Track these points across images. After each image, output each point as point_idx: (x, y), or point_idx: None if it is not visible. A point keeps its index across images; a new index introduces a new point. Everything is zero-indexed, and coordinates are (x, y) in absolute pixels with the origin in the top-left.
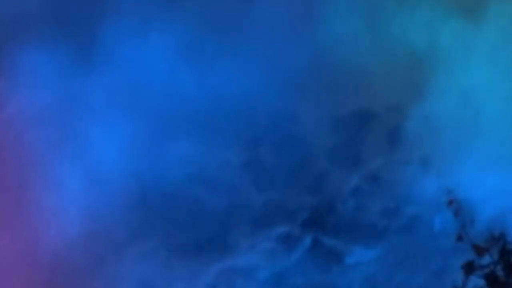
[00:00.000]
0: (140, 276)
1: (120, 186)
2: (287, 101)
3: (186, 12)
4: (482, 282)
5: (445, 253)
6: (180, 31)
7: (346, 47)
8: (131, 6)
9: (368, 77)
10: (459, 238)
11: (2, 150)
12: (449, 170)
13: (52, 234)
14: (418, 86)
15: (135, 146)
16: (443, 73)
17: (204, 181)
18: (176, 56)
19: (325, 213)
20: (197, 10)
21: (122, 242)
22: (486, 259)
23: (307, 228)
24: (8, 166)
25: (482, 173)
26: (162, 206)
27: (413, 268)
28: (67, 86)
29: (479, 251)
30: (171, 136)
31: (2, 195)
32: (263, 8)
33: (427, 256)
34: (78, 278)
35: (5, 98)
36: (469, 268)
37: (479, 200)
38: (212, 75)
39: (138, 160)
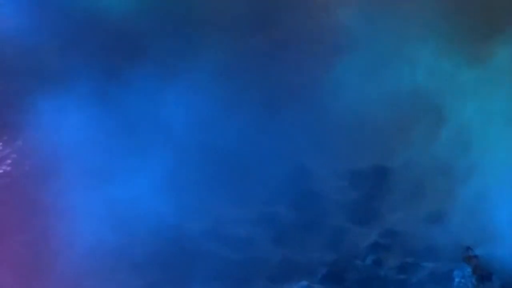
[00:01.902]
0: None
1: (137, 236)
2: (305, 157)
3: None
4: None
5: None
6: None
7: (362, 104)
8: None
9: (384, 133)
10: None
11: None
12: (467, 225)
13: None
14: (434, 140)
15: (155, 196)
16: (460, 126)
17: (222, 236)
18: (193, 112)
19: (344, 269)
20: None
21: None
22: None
23: (326, 284)
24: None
25: (501, 227)
26: (179, 259)
27: None
28: (89, 126)
29: None
30: (191, 189)
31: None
32: (282, 66)
33: None
34: None
35: (31, 137)
36: None
37: (497, 256)
38: (230, 130)
39: (157, 214)
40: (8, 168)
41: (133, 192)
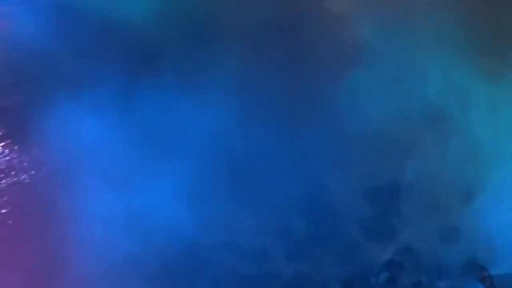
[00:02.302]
0: None
1: (151, 245)
2: (321, 171)
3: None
4: None
5: None
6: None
7: (378, 118)
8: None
9: (400, 148)
10: None
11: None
12: (482, 243)
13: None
14: (449, 156)
15: (171, 205)
16: (475, 141)
17: (235, 248)
18: (212, 122)
19: (357, 285)
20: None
21: None
22: None
23: None
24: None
25: None
26: (192, 269)
27: None
28: (108, 133)
29: None
30: (207, 200)
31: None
32: (300, 78)
33: None
34: None
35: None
36: None
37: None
38: (248, 141)
39: (172, 223)
40: (24, 175)
41: (149, 201)
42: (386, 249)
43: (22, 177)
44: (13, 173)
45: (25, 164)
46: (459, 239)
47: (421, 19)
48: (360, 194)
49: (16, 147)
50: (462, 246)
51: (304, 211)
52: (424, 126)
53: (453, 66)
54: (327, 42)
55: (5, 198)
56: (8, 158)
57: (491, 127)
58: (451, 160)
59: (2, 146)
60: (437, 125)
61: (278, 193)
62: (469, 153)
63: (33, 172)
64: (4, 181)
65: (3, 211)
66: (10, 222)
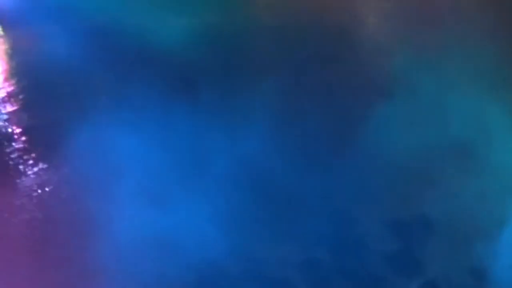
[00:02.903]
0: None
1: (174, 268)
2: (348, 203)
3: None
4: None
5: None
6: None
7: (406, 151)
8: None
9: (427, 182)
10: None
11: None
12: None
13: None
14: (477, 191)
15: (196, 230)
16: (504, 178)
17: (260, 278)
18: (241, 149)
19: None
20: None
21: None
22: None
23: None
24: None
25: None
26: None
27: None
28: (139, 154)
29: None
30: (233, 227)
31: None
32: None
33: None
34: None
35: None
36: None
37: None
38: (276, 170)
39: (197, 248)
40: (56, 190)
41: (176, 223)
42: (411, 284)
43: (54, 192)
44: (45, 188)
45: (57, 180)
46: (485, 275)
47: (452, 56)
48: (386, 227)
49: (48, 164)
50: (489, 284)
51: (330, 242)
52: (451, 161)
53: (481, 103)
54: (359, 76)
55: (36, 213)
56: (40, 174)
57: None
58: (478, 195)
59: (35, 163)
60: (464, 161)
61: (306, 224)
62: (497, 189)
63: (65, 188)
64: (36, 196)
65: (34, 224)
66: (40, 236)
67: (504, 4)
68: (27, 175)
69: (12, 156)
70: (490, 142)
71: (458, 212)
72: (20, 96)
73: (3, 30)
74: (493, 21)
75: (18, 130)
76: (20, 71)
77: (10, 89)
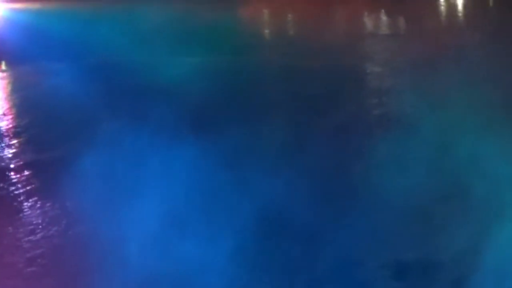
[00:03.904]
0: None
1: None
2: (350, 244)
3: None
4: None
5: None
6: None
7: (411, 193)
8: None
9: (433, 225)
10: None
11: None
12: None
13: None
14: (482, 237)
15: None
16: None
17: None
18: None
19: None
20: None
21: None
22: None
23: None
24: None
25: None
26: None
27: None
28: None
29: None
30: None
31: None
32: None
33: None
34: None
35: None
36: None
37: None
38: (284, 209)
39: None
40: (58, 227)
41: (183, 259)
42: None
43: (56, 229)
44: (48, 225)
45: (60, 216)
46: None
47: (455, 97)
48: (389, 270)
49: (51, 201)
50: None
51: (334, 285)
52: (453, 203)
53: (490, 147)
54: (363, 116)
55: (40, 250)
56: (44, 210)
57: None
58: (484, 240)
59: (39, 199)
60: (470, 204)
61: (308, 265)
62: (499, 232)
63: (67, 225)
64: (40, 232)
65: (39, 261)
66: (44, 273)
67: (506, 49)
68: (31, 208)
69: (15, 188)
70: (492, 183)
71: (462, 254)
72: (22, 130)
73: (7, 65)
74: (496, 64)
75: (20, 163)
76: (22, 105)
77: (12, 123)
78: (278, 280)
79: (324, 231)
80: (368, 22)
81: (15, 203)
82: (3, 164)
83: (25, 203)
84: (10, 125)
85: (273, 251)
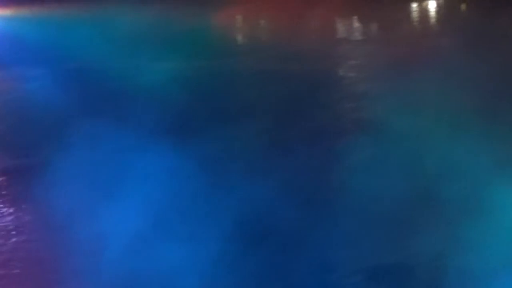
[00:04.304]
0: None
1: None
2: (324, 250)
3: None
4: None
5: None
6: None
7: (385, 197)
8: None
9: (408, 226)
10: None
11: None
12: None
13: None
14: (461, 236)
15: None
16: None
17: None
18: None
19: None
20: None
21: None
22: None
23: None
24: None
25: None
26: None
27: None
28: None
29: None
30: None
31: None
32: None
33: None
34: None
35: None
36: None
37: None
38: (253, 219)
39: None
40: (32, 234)
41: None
42: None
43: (30, 235)
44: (22, 231)
45: (34, 222)
46: None
47: (432, 102)
48: (364, 274)
49: (26, 206)
50: None
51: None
52: (432, 209)
53: (463, 151)
54: (339, 120)
55: (12, 255)
56: (18, 216)
57: (498, 210)
58: (458, 243)
59: (12, 205)
60: (444, 208)
61: (284, 274)
62: (475, 237)
63: (41, 230)
64: (14, 239)
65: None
66: (18, 278)
67: (484, 54)
68: (3, 216)
69: None
70: (469, 189)
71: (436, 258)
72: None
73: None
74: (474, 68)
75: None
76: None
77: None
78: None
79: (297, 237)
80: (342, 27)
81: None
82: None
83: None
84: None
85: (243, 257)
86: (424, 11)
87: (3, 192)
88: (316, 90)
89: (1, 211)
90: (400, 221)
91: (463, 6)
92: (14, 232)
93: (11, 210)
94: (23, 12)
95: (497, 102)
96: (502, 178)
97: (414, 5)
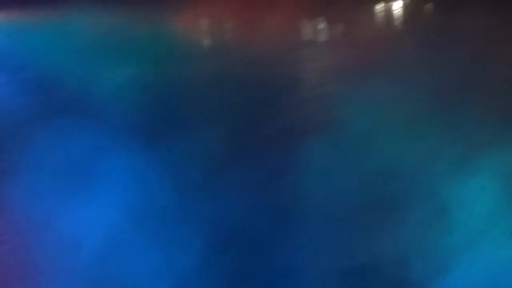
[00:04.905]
0: None
1: None
2: (288, 254)
3: None
4: None
5: None
6: None
7: (347, 199)
8: None
9: (373, 228)
10: None
11: None
12: None
13: None
14: (429, 244)
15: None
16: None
17: None
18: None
19: None
20: None
21: None
22: None
23: None
24: None
25: None
26: None
27: None
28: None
29: None
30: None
31: None
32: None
33: None
34: None
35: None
36: None
37: None
38: (220, 219)
39: None
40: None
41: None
42: None
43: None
44: None
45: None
46: None
47: (391, 102)
48: (331, 277)
49: None
50: None
51: None
52: (395, 211)
53: (423, 151)
54: (300, 122)
55: None
56: None
57: (458, 208)
58: (421, 244)
59: None
60: (407, 210)
61: (247, 276)
62: (433, 236)
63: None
64: None
65: None
66: None
67: (448, 54)
68: None
69: None
70: (430, 188)
71: (401, 259)
72: None
73: None
74: (436, 69)
75: None
76: None
77: None
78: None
79: (260, 242)
80: (305, 29)
81: None
82: None
83: None
84: None
85: (205, 264)
86: (389, 12)
87: None
88: (278, 94)
89: None
90: (364, 223)
91: (429, 7)
92: None
93: None
94: None
95: (457, 102)
96: (461, 176)
97: (379, 6)
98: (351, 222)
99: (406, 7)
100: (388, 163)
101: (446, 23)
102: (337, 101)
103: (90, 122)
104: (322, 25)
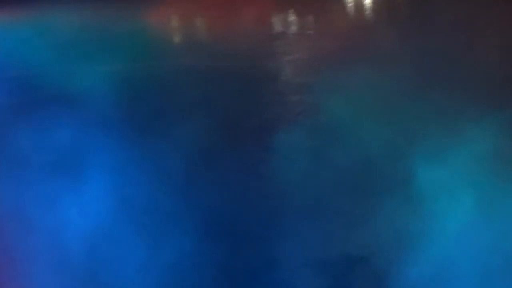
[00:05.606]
0: None
1: None
2: (269, 245)
3: None
4: None
5: None
6: None
7: (327, 189)
8: None
9: (358, 221)
10: None
11: None
12: None
13: None
14: (409, 233)
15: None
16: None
17: None
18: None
19: None
20: None
21: None
22: None
23: None
24: None
25: None
26: None
27: None
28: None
29: None
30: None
31: None
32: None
33: None
34: None
35: None
36: None
37: None
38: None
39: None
40: None
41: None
42: None
43: None
44: None
45: None
46: None
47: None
48: (312, 268)
49: None
50: None
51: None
52: (375, 202)
53: (402, 139)
54: (280, 115)
55: None
56: None
57: (438, 197)
58: (403, 234)
59: None
60: (388, 201)
61: (233, 274)
62: (419, 226)
63: None
64: None
65: None
66: None
67: (421, 44)
68: None
69: None
70: (409, 178)
71: (383, 249)
72: None
73: None
74: (411, 58)
75: None
76: None
77: None
78: (195, 283)
79: (241, 233)
80: (278, 21)
81: None
82: None
83: None
84: None
85: (194, 253)
86: (361, 2)
87: None
88: (256, 87)
89: None
90: (342, 213)
91: None
92: None
93: None
94: None
95: (433, 90)
96: (441, 165)
97: None
98: (333, 211)
99: None
100: (366, 151)
101: (419, 11)
102: (314, 91)
103: (71, 118)
104: (294, 17)
